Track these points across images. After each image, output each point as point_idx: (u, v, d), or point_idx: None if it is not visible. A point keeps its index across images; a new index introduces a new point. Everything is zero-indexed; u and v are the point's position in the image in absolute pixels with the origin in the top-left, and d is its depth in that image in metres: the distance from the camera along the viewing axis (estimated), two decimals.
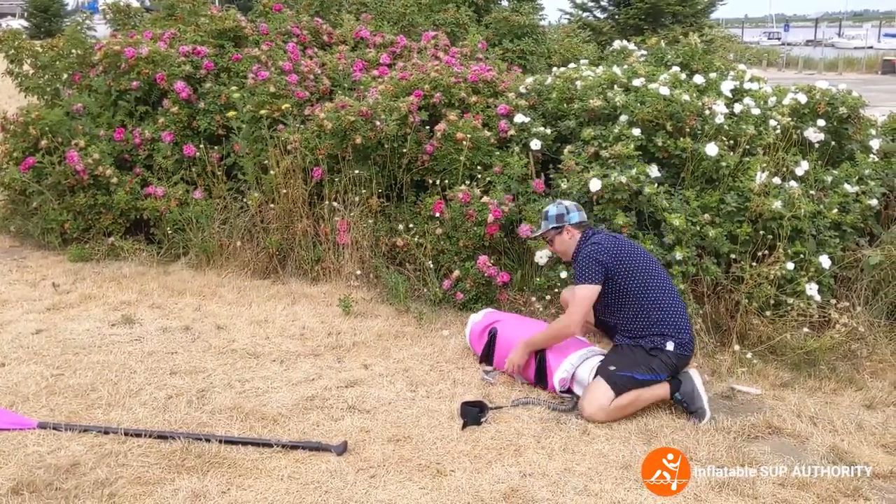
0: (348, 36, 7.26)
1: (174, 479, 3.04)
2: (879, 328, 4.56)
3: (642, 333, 3.75)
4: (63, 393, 3.72)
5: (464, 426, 3.51)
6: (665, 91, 4.92)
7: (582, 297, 3.77)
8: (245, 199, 5.70)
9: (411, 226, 5.37)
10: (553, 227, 4.08)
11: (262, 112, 5.61)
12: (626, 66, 5.60)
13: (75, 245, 5.91)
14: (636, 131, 4.87)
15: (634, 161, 4.79)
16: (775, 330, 4.43)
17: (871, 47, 47.34)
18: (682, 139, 4.86)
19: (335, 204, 5.37)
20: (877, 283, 4.67)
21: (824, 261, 4.53)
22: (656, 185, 4.67)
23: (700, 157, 4.83)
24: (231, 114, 5.64)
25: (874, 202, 4.80)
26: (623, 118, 5.08)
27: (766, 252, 4.68)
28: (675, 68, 5.40)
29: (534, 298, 4.85)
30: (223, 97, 6.00)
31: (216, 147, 6.02)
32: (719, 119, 4.86)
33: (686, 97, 4.89)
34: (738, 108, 5.00)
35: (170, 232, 5.76)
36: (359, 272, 5.33)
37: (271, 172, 5.49)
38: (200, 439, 3.30)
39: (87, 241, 5.96)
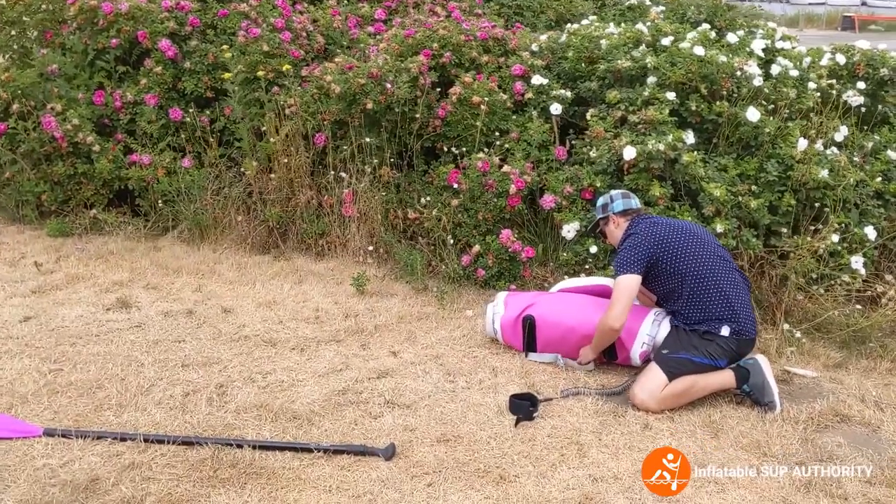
0: None
1: (209, 494, 2.70)
2: None
3: (698, 318, 3.47)
4: (65, 392, 3.33)
5: (517, 423, 3.22)
6: (700, 51, 4.60)
7: (621, 289, 3.47)
8: (242, 168, 5.27)
9: (424, 197, 5.00)
10: (601, 218, 3.81)
11: (260, 73, 5.15)
12: (649, 24, 5.25)
13: (54, 219, 5.44)
14: (670, 95, 4.55)
15: (669, 127, 4.48)
16: (820, 306, 4.21)
17: (824, 3, 47.41)
18: (717, 103, 4.56)
19: (343, 174, 4.97)
20: None
21: (870, 232, 4.30)
22: (694, 152, 4.38)
23: (737, 123, 4.55)
24: (226, 75, 5.18)
25: None
26: (651, 80, 4.75)
27: (809, 224, 4.45)
28: (705, 25, 5.08)
29: (565, 275, 4.53)
30: (211, 56, 5.53)
31: (205, 111, 5.56)
32: (757, 81, 4.56)
33: (723, 58, 4.57)
34: (775, 69, 4.71)
35: (159, 204, 5.31)
36: (370, 248, 4.96)
37: (271, 140, 5.06)
38: (231, 445, 2.96)
39: (66, 214, 5.48)
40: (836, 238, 4.22)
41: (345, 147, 4.99)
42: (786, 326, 4.07)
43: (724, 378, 3.44)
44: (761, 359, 3.50)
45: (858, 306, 4.17)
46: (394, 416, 3.25)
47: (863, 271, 4.25)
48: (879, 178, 4.46)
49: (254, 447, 2.95)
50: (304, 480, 2.80)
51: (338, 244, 5.13)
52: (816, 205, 4.39)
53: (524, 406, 3.28)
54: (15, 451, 2.89)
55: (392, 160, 5.08)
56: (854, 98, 4.73)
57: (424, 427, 3.18)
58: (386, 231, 5.00)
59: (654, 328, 3.59)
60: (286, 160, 5.06)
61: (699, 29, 5.04)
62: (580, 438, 3.14)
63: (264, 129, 5.17)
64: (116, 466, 2.82)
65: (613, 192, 3.85)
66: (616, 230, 3.75)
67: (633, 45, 5.04)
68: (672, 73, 4.63)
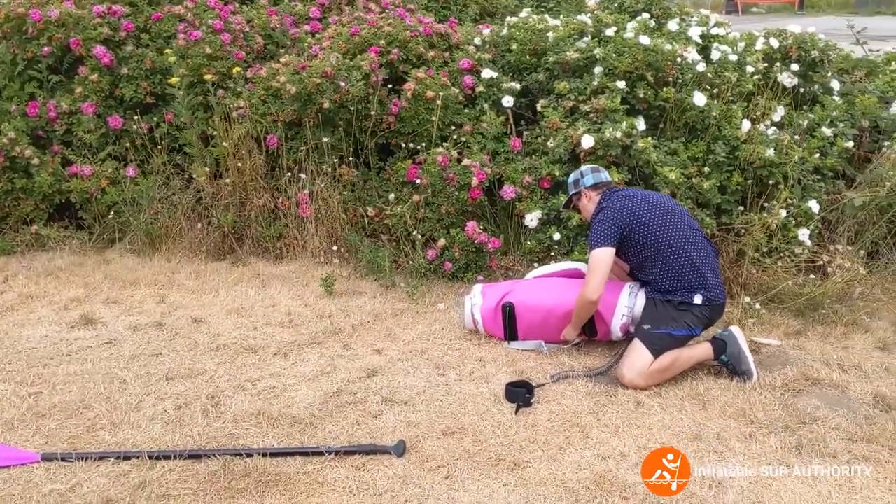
0: None
1: None
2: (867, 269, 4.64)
3: (671, 288, 3.63)
4: (52, 415, 3.21)
5: (517, 410, 3.28)
6: (645, 40, 4.76)
7: (596, 262, 3.59)
8: (191, 174, 5.15)
9: (382, 194, 5.01)
10: (573, 194, 3.91)
11: (207, 77, 5.04)
12: (590, 15, 5.39)
13: None
14: (621, 83, 4.69)
15: (620, 115, 4.63)
16: (774, 279, 4.43)
17: None
18: (664, 89, 4.73)
19: (302, 175, 4.92)
20: (859, 224, 4.74)
21: (813, 205, 4.55)
22: (649, 138, 4.54)
23: (683, 108, 4.73)
24: (173, 80, 5.03)
25: (850, 144, 4.86)
26: (598, 70, 4.89)
27: (755, 200, 4.68)
28: (645, 15, 5.24)
29: (535, 263, 4.63)
30: (148, 61, 5.37)
31: (144, 117, 5.40)
32: (701, 67, 4.76)
33: (668, 46, 4.75)
34: (715, 54, 4.91)
35: (111, 216, 5.14)
36: (335, 248, 4.93)
37: (223, 144, 4.96)
38: (240, 455, 2.92)
39: (4, 231, 5.24)
40: (783, 213, 4.45)
41: (301, 147, 4.94)
42: (746, 299, 4.27)
43: (704, 350, 3.61)
44: (735, 330, 3.67)
45: (812, 276, 4.40)
46: (394, 413, 3.27)
47: (809, 243, 4.50)
48: (817, 155, 4.72)
49: (263, 455, 2.92)
50: (322, 484, 2.79)
51: (296, 246, 5.09)
52: (763, 182, 4.62)
53: (521, 393, 3.35)
54: (16, 480, 2.78)
55: (350, 159, 5.06)
56: (789, 80, 4.98)
57: (427, 422, 3.21)
58: (345, 230, 4.98)
59: (631, 300, 3.72)
60: (239, 164, 4.97)
61: (639, 19, 5.21)
62: (580, 420, 3.23)
63: (213, 133, 5.06)
64: (127, 486, 2.74)
65: (583, 167, 3.96)
66: (589, 204, 3.86)
67: (577, 36, 5.16)
68: (619, 62, 4.78)
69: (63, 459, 2.88)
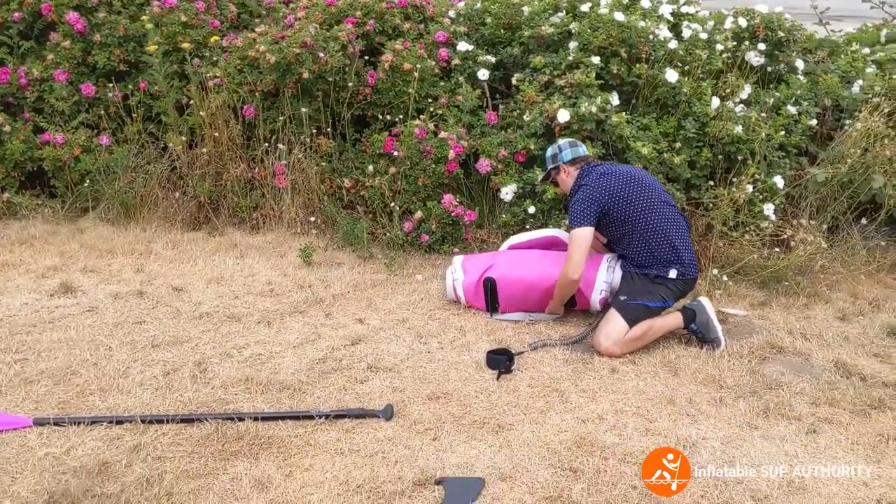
0: None
1: (226, 467, 2.73)
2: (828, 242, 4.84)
3: (647, 262, 3.76)
4: (40, 381, 3.24)
5: (498, 376, 3.40)
6: (620, 17, 4.85)
7: (576, 241, 3.71)
8: (166, 143, 5.13)
9: (359, 165, 5.06)
10: (552, 168, 4.01)
11: (185, 45, 5.01)
12: None
13: None
14: (595, 59, 4.79)
15: (595, 90, 4.73)
16: (740, 252, 4.60)
17: None
18: (637, 66, 4.84)
19: (280, 145, 4.94)
20: (821, 200, 4.92)
21: (778, 181, 4.72)
22: (623, 114, 4.65)
23: (655, 84, 4.85)
24: (151, 47, 5.00)
25: (813, 122, 5.02)
26: (573, 45, 4.97)
27: (723, 176, 4.83)
28: None
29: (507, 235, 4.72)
30: (121, 28, 5.31)
31: (117, 85, 5.35)
32: (672, 44, 4.87)
33: (642, 23, 4.85)
34: (686, 32, 5.03)
35: (86, 184, 5.11)
36: (312, 218, 4.98)
37: (201, 114, 4.95)
38: (232, 419, 2.98)
39: None
40: (750, 188, 4.60)
41: (280, 117, 4.95)
42: (714, 271, 4.43)
43: (675, 319, 3.76)
44: (704, 300, 3.83)
45: (777, 249, 4.58)
46: (380, 379, 3.36)
47: (773, 217, 4.66)
48: (783, 132, 4.88)
49: (255, 419, 2.99)
50: (314, 446, 2.88)
51: (272, 217, 5.12)
52: (731, 158, 4.77)
53: (502, 360, 3.46)
54: (9, 444, 2.81)
55: (328, 130, 5.09)
56: (756, 58, 5.13)
57: (412, 387, 3.31)
58: (322, 201, 5.02)
59: (609, 274, 3.86)
60: (216, 133, 4.97)
61: None
62: (558, 386, 3.36)
63: (190, 101, 5.05)
64: (122, 449, 2.80)
65: (561, 141, 4.06)
66: (567, 178, 3.97)
67: (552, 11, 5.23)
68: (594, 37, 4.87)
69: (56, 424, 2.92)
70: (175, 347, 3.58)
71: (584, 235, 3.70)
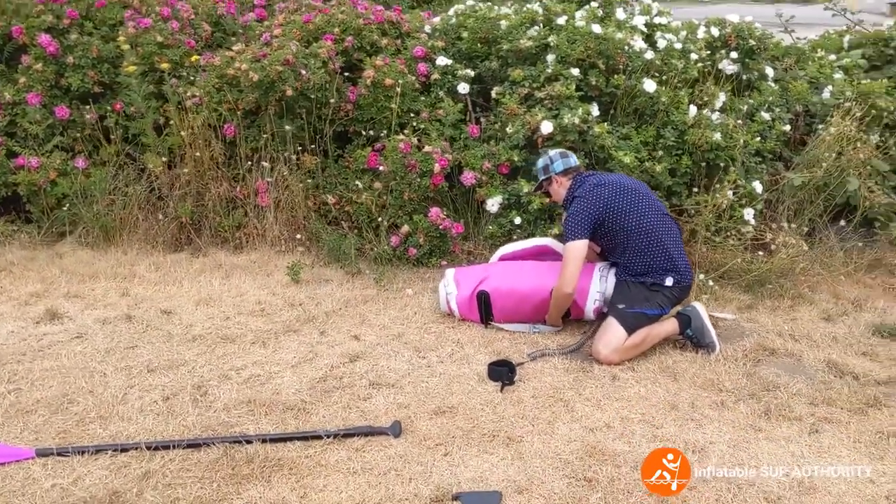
0: None
1: (239, 491, 2.69)
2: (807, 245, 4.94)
3: (643, 271, 3.81)
4: (36, 411, 3.16)
5: (502, 388, 3.40)
6: (597, 29, 4.92)
7: (571, 255, 3.75)
8: (146, 164, 5.06)
9: (342, 181, 5.04)
10: (544, 179, 4.04)
11: (164, 65, 4.96)
12: (538, 4, 5.51)
13: None
14: (575, 71, 4.84)
15: (575, 101, 4.78)
16: (724, 256, 4.67)
17: None
18: (615, 76, 4.90)
19: (264, 163, 4.91)
20: (798, 203, 5.03)
21: (757, 186, 4.81)
22: (604, 124, 4.71)
23: (634, 94, 4.91)
24: (129, 68, 4.93)
25: (787, 127, 5.13)
26: (550, 57, 5.03)
27: (702, 182, 4.92)
28: (593, 3, 5.40)
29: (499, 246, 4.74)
30: (94, 50, 5.23)
31: (93, 106, 5.26)
32: (649, 55, 4.95)
33: (619, 34, 4.92)
34: (661, 42, 5.11)
35: (65, 208, 5.01)
36: (298, 236, 4.94)
37: (181, 133, 4.90)
38: (239, 442, 2.95)
39: None
40: (731, 194, 4.69)
41: (264, 135, 4.92)
42: (700, 276, 4.49)
43: (671, 326, 3.81)
44: (698, 305, 3.88)
45: (760, 253, 4.66)
46: (383, 396, 3.35)
47: (753, 222, 4.75)
48: (758, 138, 4.98)
49: (263, 441, 2.96)
50: (326, 466, 2.85)
51: (256, 235, 5.07)
52: (711, 165, 4.85)
53: (503, 372, 3.47)
54: (13, 477, 2.74)
55: (312, 147, 5.07)
56: (729, 66, 5.23)
57: (416, 403, 3.30)
58: (307, 218, 5.00)
59: (602, 284, 3.89)
60: (197, 153, 4.92)
61: (587, 7, 5.36)
62: (562, 395, 3.38)
63: (170, 122, 4.99)
64: (131, 478, 2.74)
65: (552, 152, 4.09)
66: (560, 189, 4.00)
67: (529, 24, 5.28)
68: (572, 49, 4.92)
69: (59, 454, 2.86)
70: (171, 371, 3.52)
71: (578, 248, 3.74)
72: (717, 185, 4.67)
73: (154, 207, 5.13)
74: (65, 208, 5.01)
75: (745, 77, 5.47)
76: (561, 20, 5.18)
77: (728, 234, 4.70)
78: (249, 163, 4.97)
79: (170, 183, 5.04)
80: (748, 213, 4.72)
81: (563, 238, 3.90)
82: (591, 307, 3.89)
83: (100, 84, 5.28)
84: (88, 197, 5.02)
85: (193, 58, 5.10)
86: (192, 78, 5.11)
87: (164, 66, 4.97)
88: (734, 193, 4.74)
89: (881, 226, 4.99)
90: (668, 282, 3.77)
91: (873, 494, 2.75)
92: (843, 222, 5.02)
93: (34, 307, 4.18)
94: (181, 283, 4.56)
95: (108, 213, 5.00)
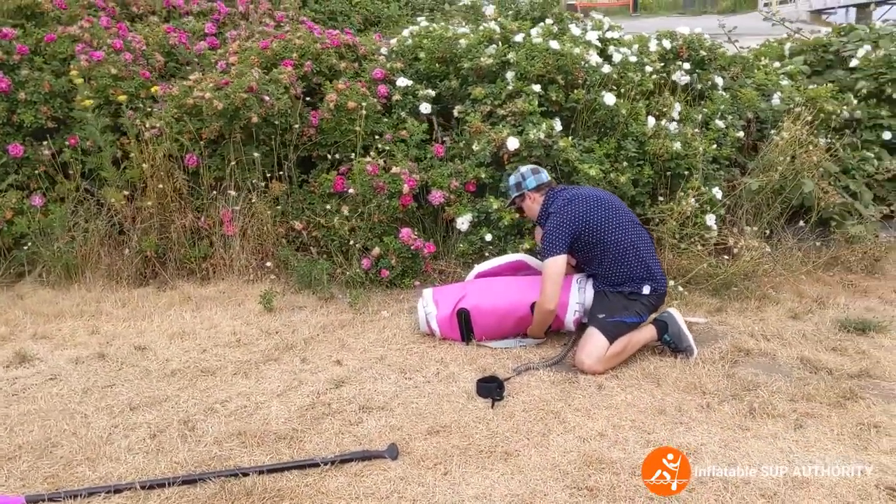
0: (157, 5, 6.50)
1: None
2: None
3: (621, 281, 3.87)
4: (20, 457, 3.06)
5: (493, 404, 3.42)
6: (555, 45, 5.01)
7: (550, 271, 3.79)
8: (106, 199, 4.96)
9: (308, 207, 5.02)
10: (516, 196, 4.08)
11: (121, 98, 4.88)
12: (493, 23, 5.59)
13: None
14: (536, 87, 4.92)
15: (537, 117, 4.85)
16: (690, 262, 4.78)
17: None
18: (575, 91, 5.00)
19: (231, 192, 4.86)
20: (755, 207, 5.17)
21: (717, 192, 4.94)
22: (569, 138, 4.79)
23: (593, 108, 5.01)
24: (87, 102, 4.83)
25: (741, 134, 5.29)
26: (510, 74, 5.10)
27: (663, 191, 5.03)
28: (548, 20, 5.50)
29: (475, 263, 4.76)
30: (46, 85, 5.13)
31: (45, 143, 5.14)
32: (606, 69, 5.05)
33: (577, 50, 5.01)
34: (617, 56, 5.22)
35: (27, 247, 4.87)
36: (269, 264, 4.90)
37: (143, 165, 4.82)
38: (236, 475, 2.90)
39: None
40: (693, 201, 4.80)
41: (231, 163, 4.86)
42: (670, 283, 4.58)
43: (649, 332, 3.87)
44: (673, 311, 3.96)
45: (726, 257, 4.78)
46: (375, 420, 3.33)
47: (715, 227, 4.88)
48: (714, 146, 5.11)
49: (259, 472, 2.92)
50: (327, 493, 2.82)
51: (223, 265, 5.01)
52: (669, 174, 4.97)
53: (492, 388, 3.49)
54: None
55: (280, 173, 5.04)
56: (682, 77, 5.38)
57: (409, 424, 3.29)
58: (283, 245, 4.96)
59: (581, 295, 3.94)
60: (160, 185, 4.85)
61: (541, 25, 5.46)
62: (552, 407, 3.40)
63: (129, 154, 4.91)
64: None
65: (523, 169, 4.13)
66: (533, 205, 4.05)
67: (487, 43, 5.35)
68: (531, 66, 5.00)
69: (51, 500, 2.77)
70: (154, 408, 3.45)
71: (558, 264, 3.78)
72: (681, 194, 4.78)
73: (116, 242, 5.02)
74: (25, 247, 4.87)
75: (698, 87, 5.62)
76: (518, 37, 5.26)
77: (693, 240, 4.81)
78: (215, 192, 4.91)
79: (132, 216, 4.95)
80: (710, 219, 4.84)
81: (538, 254, 3.95)
82: (571, 318, 3.94)
83: (53, 119, 5.17)
84: (47, 235, 4.90)
85: (154, 88, 5.03)
86: (148, 109, 5.03)
87: (121, 98, 4.89)
88: (696, 200, 4.85)
89: (836, 225, 5.16)
90: (646, 290, 3.85)
91: (863, 483, 2.83)
92: (802, 223, 5.17)
93: (1, 351, 4.05)
94: (151, 318, 4.48)
95: (68, 251, 4.88)
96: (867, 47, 6.10)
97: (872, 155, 5.52)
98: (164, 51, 5.71)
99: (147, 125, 4.92)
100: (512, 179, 4.14)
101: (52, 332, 4.30)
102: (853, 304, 4.60)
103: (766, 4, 17.86)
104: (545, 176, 4.08)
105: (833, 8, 16.28)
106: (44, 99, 5.15)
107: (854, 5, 15.58)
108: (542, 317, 3.84)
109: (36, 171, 5.07)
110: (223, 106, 4.65)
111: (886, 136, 5.67)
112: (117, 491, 2.82)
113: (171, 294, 4.80)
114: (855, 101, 5.76)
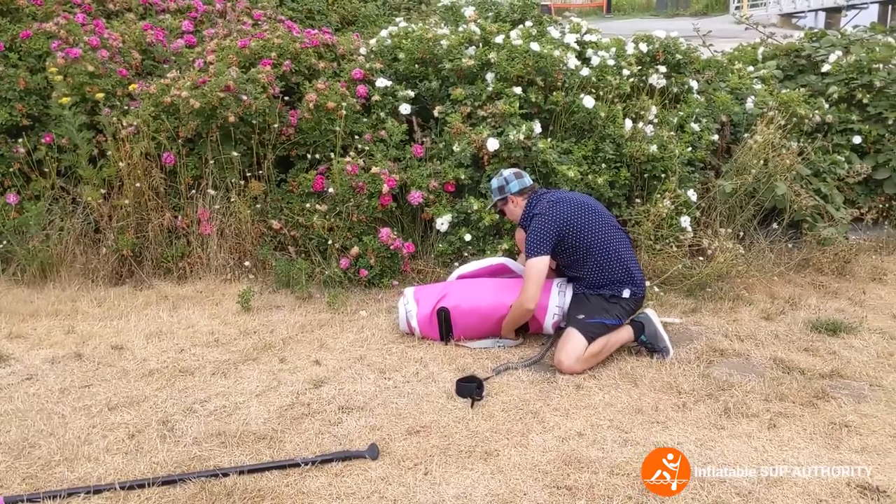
0: (133, 2, 6.45)
1: None
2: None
3: (602, 283, 3.91)
4: None
5: (472, 404, 3.44)
6: (536, 47, 5.05)
7: (532, 272, 3.82)
8: (82, 197, 4.92)
9: (286, 206, 5.02)
10: (499, 199, 4.11)
11: (99, 95, 4.85)
12: (472, 25, 5.61)
13: None
14: (517, 89, 4.95)
15: (518, 119, 4.88)
16: (665, 263, 4.84)
17: None
18: (554, 93, 5.04)
19: (211, 191, 4.84)
20: (729, 209, 5.25)
21: (692, 195, 5.01)
22: (548, 140, 4.83)
23: (572, 110, 5.05)
24: (64, 100, 4.79)
25: (715, 137, 5.36)
26: (490, 76, 5.13)
27: (639, 193, 5.09)
28: (528, 23, 5.54)
29: (456, 263, 4.80)
30: (22, 82, 5.08)
31: (20, 140, 5.09)
32: (585, 72, 5.10)
33: (557, 52, 5.05)
34: (595, 60, 5.27)
35: (2, 246, 4.82)
36: (247, 263, 4.89)
37: (120, 164, 4.79)
38: (216, 475, 2.90)
39: None
40: (669, 203, 4.86)
41: (210, 161, 4.85)
42: (647, 283, 4.63)
43: (627, 333, 3.92)
44: (650, 312, 4.02)
45: (701, 258, 4.84)
46: (354, 420, 3.34)
47: (690, 229, 4.94)
48: (689, 148, 5.18)
49: (240, 473, 2.92)
50: (308, 493, 2.83)
51: (200, 265, 4.99)
52: (646, 176, 5.03)
53: (471, 388, 3.51)
54: None
55: (260, 173, 5.02)
56: (658, 80, 5.44)
57: (389, 424, 3.30)
58: (253, 245, 4.95)
59: (561, 298, 3.98)
60: (138, 183, 4.82)
61: (521, 27, 5.50)
62: (531, 407, 3.44)
63: (105, 152, 4.88)
64: None
65: (506, 172, 4.15)
66: (516, 209, 4.08)
67: (468, 44, 5.38)
68: (511, 67, 5.04)
69: (30, 500, 2.75)
70: (133, 408, 3.44)
71: (541, 264, 3.81)
72: (657, 196, 4.84)
73: (92, 241, 4.99)
74: (1, 245, 4.82)
75: (674, 90, 5.69)
76: (499, 39, 5.29)
77: (668, 241, 4.87)
78: (193, 191, 4.89)
79: (108, 215, 4.92)
80: (685, 221, 4.91)
81: (521, 255, 3.98)
82: (549, 322, 3.97)
83: (28, 116, 5.12)
84: (22, 233, 4.86)
85: (132, 86, 5.00)
86: (125, 107, 5.00)
87: (99, 95, 4.86)
88: (671, 202, 4.91)
89: (808, 227, 5.25)
90: (626, 294, 3.90)
91: (835, 480, 2.90)
92: (774, 225, 5.25)
93: None
94: (128, 318, 4.45)
95: (44, 249, 4.84)
96: (838, 53, 6.21)
97: (843, 158, 5.62)
98: (141, 48, 5.67)
99: (124, 123, 4.89)
100: (495, 183, 4.16)
101: (27, 332, 4.26)
102: (824, 306, 4.68)
103: (737, 7, 18.07)
104: (528, 180, 4.11)
105: (803, 12, 16.52)
106: (19, 96, 5.10)
107: (823, 10, 15.81)
108: (518, 314, 3.87)
109: (10, 169, 5.03)
110: (200, 105, 4.63)
111: (856, 140, 5.78)
112: (97, 492, 2.81)
113: (148, 293, 4.78)
114: (826, 106, 5.87)
